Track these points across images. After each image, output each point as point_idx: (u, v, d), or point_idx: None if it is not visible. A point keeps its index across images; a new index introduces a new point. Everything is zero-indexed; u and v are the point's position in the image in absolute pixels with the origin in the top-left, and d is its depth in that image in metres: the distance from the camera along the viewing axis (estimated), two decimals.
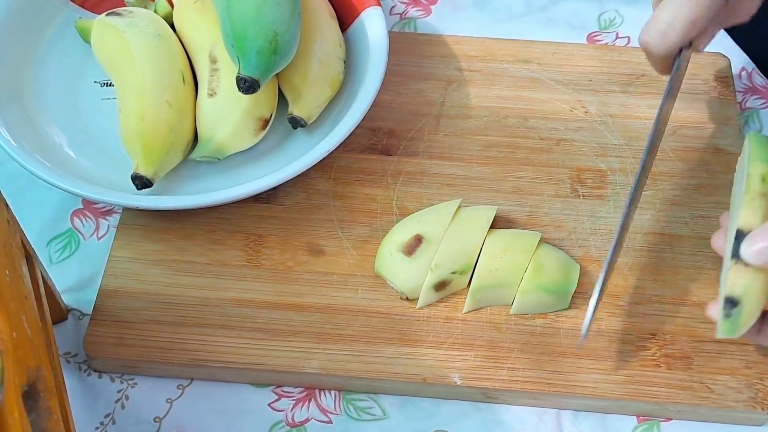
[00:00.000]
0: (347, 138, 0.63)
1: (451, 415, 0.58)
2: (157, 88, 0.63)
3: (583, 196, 0.65)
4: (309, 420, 0.58)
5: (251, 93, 0.62)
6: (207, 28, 0.66)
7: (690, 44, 0.60)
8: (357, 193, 0.65)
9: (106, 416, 0.58)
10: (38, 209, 0.66)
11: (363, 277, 0.61)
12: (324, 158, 0.62)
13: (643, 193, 0.65)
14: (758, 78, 0.73)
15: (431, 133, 0.68)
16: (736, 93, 0.71)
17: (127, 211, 0.64)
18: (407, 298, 0.60)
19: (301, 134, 0.67)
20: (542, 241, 0.61)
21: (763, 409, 0.56)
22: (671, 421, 0.58)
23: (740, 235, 0.50)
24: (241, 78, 0.61)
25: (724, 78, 0.71)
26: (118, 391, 0.59)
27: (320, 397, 0.59)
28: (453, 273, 0.59)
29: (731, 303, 0.50)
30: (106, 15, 0.67)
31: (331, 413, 0.58)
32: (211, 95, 0.64)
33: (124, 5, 0.70)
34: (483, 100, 0.70)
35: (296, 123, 0.65)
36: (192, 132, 0.64)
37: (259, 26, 0.60)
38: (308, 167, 0.62)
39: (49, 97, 0.68)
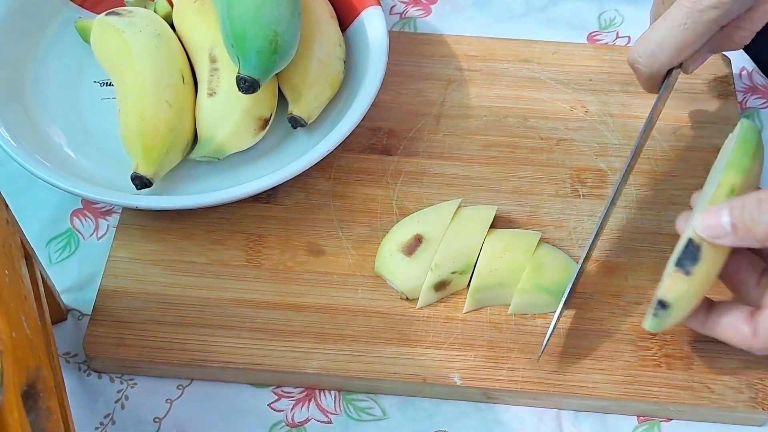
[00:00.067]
0: (347, 138, 0.63)
1: (451, 415, 0.58)
2: (156, 88, 0.63)
3: (584, 195, 0.65)
4: (309, 420, 0.58)
5: (251, 93, 0.62)
6: (207, 28, 0.66)
7: (680, 65, 0.60)
8: (357, 193, 0.65)
9: (106, 416, 0.58)
10: (38, 209, 0.66)
11: (363, 277, 0.61)
12: (324, 158, 0.62)
13: (643, 193, 0.65)
14: (758, 78, 0.73)
15: (431, 132, 0.68)
16: (737, 92, 0.71)
17: (127, 211, 0.64)
18: (407, 298, 0.60)
19: (301, 134, 0.67)
20: (542, 241, 0.61)
21: (763, 410, 0.56)
22: (671, 421, 0.58)
23: (690, 245, 0.51)
24: (241, 78, 0.61)
25: (725, 78, 0.71)
26: (118, 392, 0.59)
27: (320, 397, 0.59)
28: (453, 273, 0.59)
29: (662, 305, 0.52)
30: (106, 15, 0.67)
31: (331, 413, 0.58)
32: (210, 95, 0.64)
33: (124, 5, 0.70)
34: (483, 99, 0.70)
35: (296, 123, 0.65)
36: (192, 132, 0.64)
37: (259, 26, 0.60)
38: (308, 167, 0.62)
39: (49, 97, 0.68)
